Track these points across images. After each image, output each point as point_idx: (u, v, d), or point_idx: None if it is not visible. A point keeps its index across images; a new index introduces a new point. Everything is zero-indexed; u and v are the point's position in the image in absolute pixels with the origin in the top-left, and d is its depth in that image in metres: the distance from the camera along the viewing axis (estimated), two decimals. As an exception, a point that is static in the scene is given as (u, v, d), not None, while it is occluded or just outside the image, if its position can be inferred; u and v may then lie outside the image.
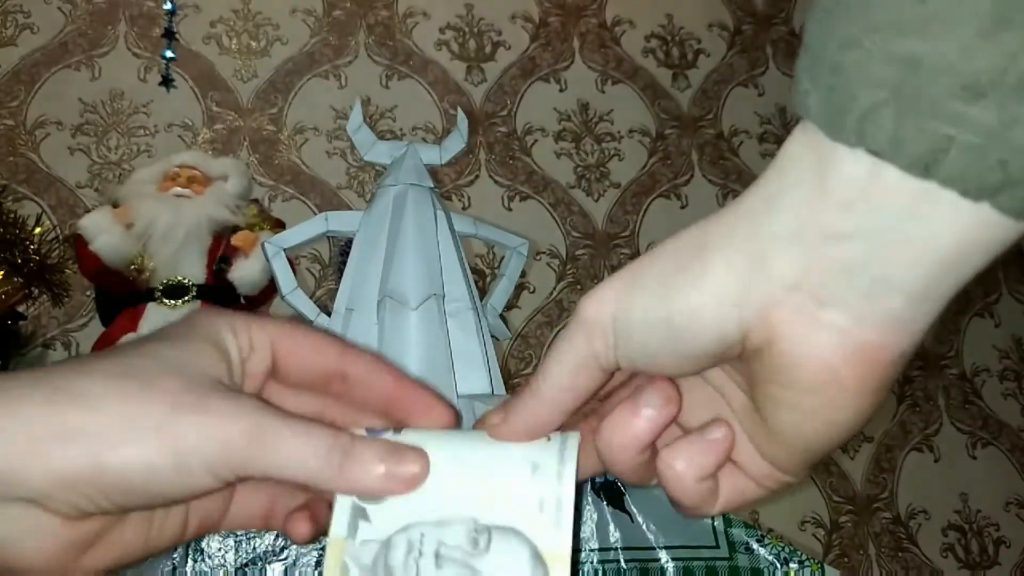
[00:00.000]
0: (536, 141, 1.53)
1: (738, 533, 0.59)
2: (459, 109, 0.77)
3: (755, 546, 0.59)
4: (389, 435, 0.31)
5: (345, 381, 0.32)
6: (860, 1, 0.21)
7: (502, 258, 0.78)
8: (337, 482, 0.29)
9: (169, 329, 0.30)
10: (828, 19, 0.22)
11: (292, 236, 0.70)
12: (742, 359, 0.25)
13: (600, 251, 1.48)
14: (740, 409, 0.28)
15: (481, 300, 0.71)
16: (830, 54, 0.21)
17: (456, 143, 0.71)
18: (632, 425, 0.27)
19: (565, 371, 0.27)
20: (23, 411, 0.26)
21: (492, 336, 0.71)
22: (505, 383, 0.82)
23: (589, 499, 0.60)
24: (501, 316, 0.77)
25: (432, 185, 0.69)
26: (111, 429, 0.26)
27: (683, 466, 0.27)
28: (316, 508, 0.32)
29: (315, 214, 1.34)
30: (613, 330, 0.26)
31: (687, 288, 0.25)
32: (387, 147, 0.67)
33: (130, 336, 0.96)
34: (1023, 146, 0.19)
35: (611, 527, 0.60)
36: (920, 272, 0.22)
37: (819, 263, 0.23)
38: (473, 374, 0.65)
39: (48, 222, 1.30)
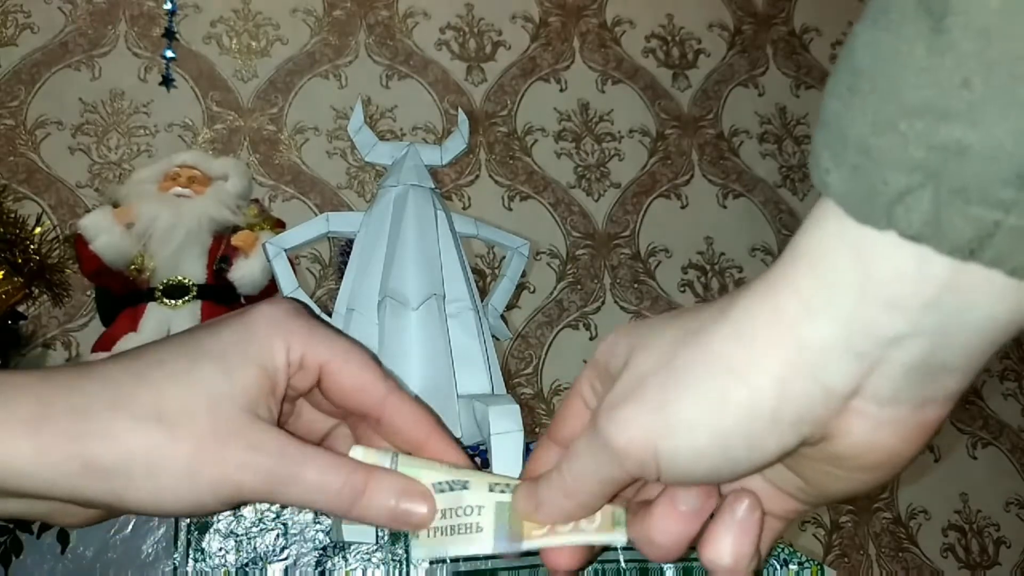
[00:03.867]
0: (536, 141, 1.53)
1: (738, 534, 0.59)
2: (459, 110, 0.76)
3: (755, 547, 0.59)
4: (388, 461, 0.32)
5: (379, 423, 0.33)
6: (890, 81, 0.20)
7: (503, 258, 0.78)
8: (349, 514, 0.30)
9: (226, 334, 0.30)
10: (854, 97, 0.20)
11: (293, 236, 0.70)
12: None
13: (600, 251, 1.48)
14: (772, 473, 0.27)
15: (481, 300, 0.71)
16: (858, 133, 0.20)
17: (457, 143, 0.71)
18: (671, 524, 0.27)
19: (595, 484, 0.27)
20: (43, 439, 0.27)
21: (493, 336, 0.71)
22: (505, 383, 0.82)
23: (589, 499, 0.61)
24: (502, 316, 0.77)
25: (433, 186, 0.69)
26: (134, 470, 0.27)
27: (730, 560, 0.27)
28: None
29: (315, 214, 1.34)
30: (657, 462, 0.25)
31: (738, 418, 0.23)
32: (388, 148, 0.67)
33: (130, 336, 0.96)
34: None
35: (611, 527, 0.60)
36: (976, 353, 0.22)
37: (875, 367, 0.22)
38: (473, 374, 0.65)
39: (48, 222, 1.30)
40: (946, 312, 0.21)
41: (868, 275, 0.21)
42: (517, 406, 0.57)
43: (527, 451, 0.60)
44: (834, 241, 0.22)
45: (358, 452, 0.32)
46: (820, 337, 0.22)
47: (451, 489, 0.31)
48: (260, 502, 0.31)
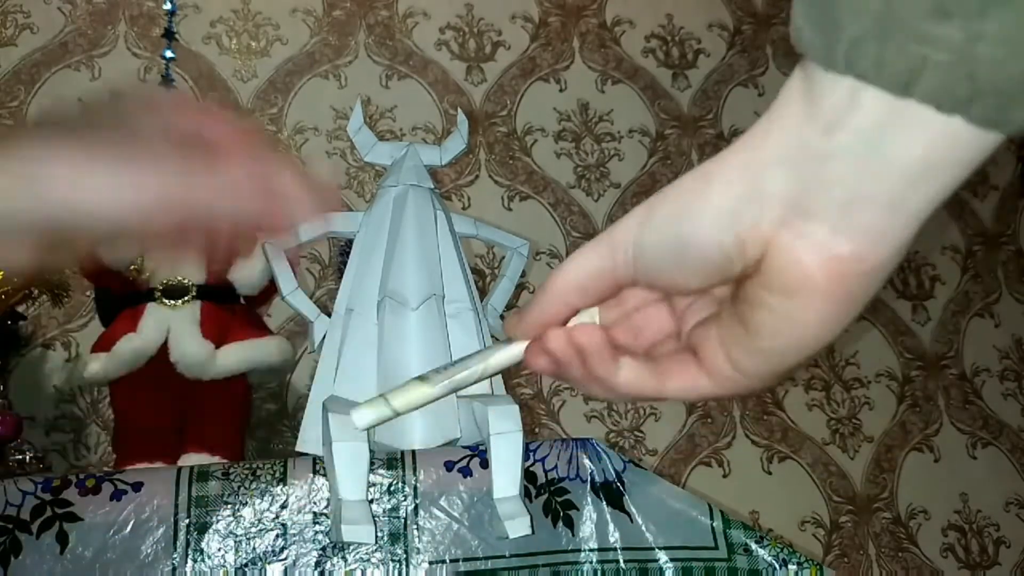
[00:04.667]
0: (536, 141, 1.53)
1: (737, 534, 0.59)
2: (459, 110, 0.76)
3: (754, 547, 0.59)
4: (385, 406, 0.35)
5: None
6: None
7: (502, 258, 0.78)
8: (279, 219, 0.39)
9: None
10: None
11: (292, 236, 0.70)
12: (742, 276, 0.28)
13: (600, 251, 1.48)
14: (722, 315, 0.30)
15: (481, 300, 0.71)
16: None
17: (456, 144, 0.71)
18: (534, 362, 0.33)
19: (582, 273, 0.31)
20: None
21: (492, 336, 0.71)
22: (505, 384, 0.82)
23: (589, 499, 0.61)
24: (501, 316, 0.77)
25: (432, 186, 0.69)
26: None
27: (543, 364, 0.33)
28: None
29: (315, 214, 1.34)
30: (633, 247, 0.30)
31: (694, 209, 0.28)
32: (387, 148, 0.67)
33: (130, 336, 0.96)
34: (987, 59, 0.22)
35: (611, 527, 0.60)
36: (888, 185, 0.24)
37: (804, 181, 0.26)
38: (472, 375, 0.65)
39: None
40: (870, 139, 0.24)
41: (812, 103, 0.25)
42: (516, 406, 0.57)
43: (526, 451, 0.60)
44: (796, 83, 0.26)
45: (358, 413, 0.35)
46: (767, 149, 0.26)
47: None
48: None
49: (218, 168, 0.36)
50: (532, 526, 0.54)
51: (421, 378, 0.35)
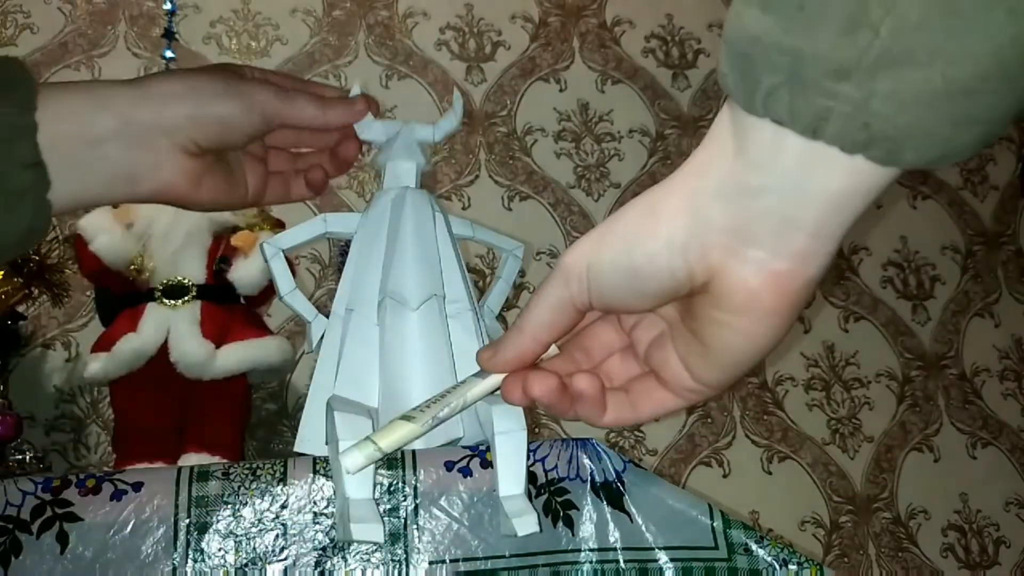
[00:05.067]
0: (536, 141, 1.53)
1: (737, 534, 0.59)
2: (455, 89, 0.76)
3: (754, 547, 0.59)
4: (371, 448, 0.37)
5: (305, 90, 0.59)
6: (761, 4, 0.27)
7: (502, 258, 0.78)
8: (324, 119, 0.57)
9: (203, 68, 0.53)
10: (738, 19, 0.28)
11: (291, 237, 0.70)
12: (689, 295, 0.32)
13: (600, 251, 1.48)
14: (676, 334, 0.34)
15: (479, 301, 0.71)
16: (740, 47, 0.27)
17: (450, 121, 0.71)
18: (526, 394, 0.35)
19: (545, 310, 0.35)
20: (153, 87, 0.48)
21: (489, 337, 0.71)
22: (505, 383, 0.82)
23: (589, 499, 0.61)
24: (498, 318, 0.77)
25: (424, 161, 0.69)
26: (204, 92, 0.49)
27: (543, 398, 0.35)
28: (317, 169, 0.61)
29: (315, 214, 1.34)
30: (587, 276, 0.33)
31: (645, 240, 0.31)
32: (381, 126, 0.67)
33: (130, 336, 0.96)
34: (879, 112, 0.26)
35: (610, 527, 0.60)
36: (814, 213, 0.29)
37: (741, 212, 0.29)
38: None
39: (48, 222, 1.29)
40: (794, 177, 0.28)
41: (742, 144, 0.29)
42: (520, 406, 0.57)
43: (526, 451, 0.60)
44: (726, 123, 0.30)
45: (348, 457, 0.36)
46: (705, 185, 0.30)
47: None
48: (278, 123, 0.54)
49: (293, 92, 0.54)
50: (540, 524, 0.54)
51: (405, 417, 0.37)
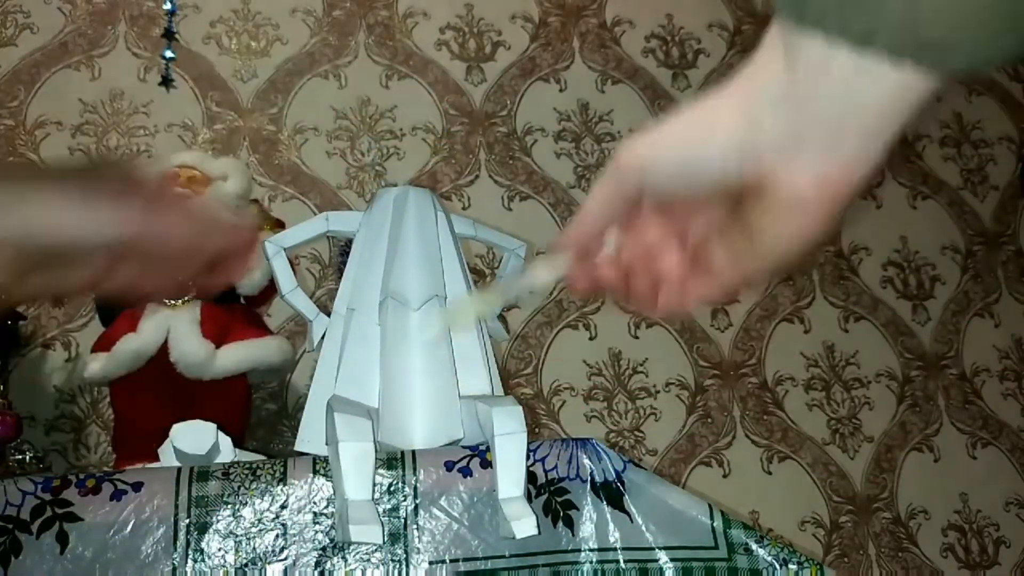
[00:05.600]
0: (536, 141, 1.52)
1: (737, 534, 0.59)
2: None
3: (754, 547, 0.59)
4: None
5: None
6: None
7: (502, 258, 0.78)
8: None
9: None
10: None
11: (292, 236, 0.70)
12: (740, 193, 0.35)
13: (600, 251, 1.48)
14: (723, 230, 0.37)
15: (481, 300, 0.71)
16: None
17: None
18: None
19: (600, 203, 0.39)
20: None
21: (490, 337, 0.71)
22: (504, 384, 0.82)
23: (589, 499, 0.60)
24: (499, 317, 0.77)
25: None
26: (36, 204, 0.45)
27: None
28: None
29: (315, 214, 1.34)
30: (643, 173, 0.37)
31: (700, 142, 0.35)
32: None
33: (130, 336, 0.96)
34: (926, 17, 0.27)
35: (611, 527, 0.60)
36: (863, 122, 0.31)
37: (793, 121, 0.32)
38: (474, 375, 0.65)
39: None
40: (843, 88, 0.30)
41: (793, 58, 0.31)
42: (520, 407, 0.57)
43: (526, 451, 0.60)
44: (776, 39, 0.32)
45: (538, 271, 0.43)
46: (759, 95, 0.32)
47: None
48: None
49: (165, 210, 0.48)
50: (539, 525, 0.54)
51: (478, 293, 0.40)
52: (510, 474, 0.56)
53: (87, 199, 0.46)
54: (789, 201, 0.33)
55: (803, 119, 0.32)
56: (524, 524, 0.54)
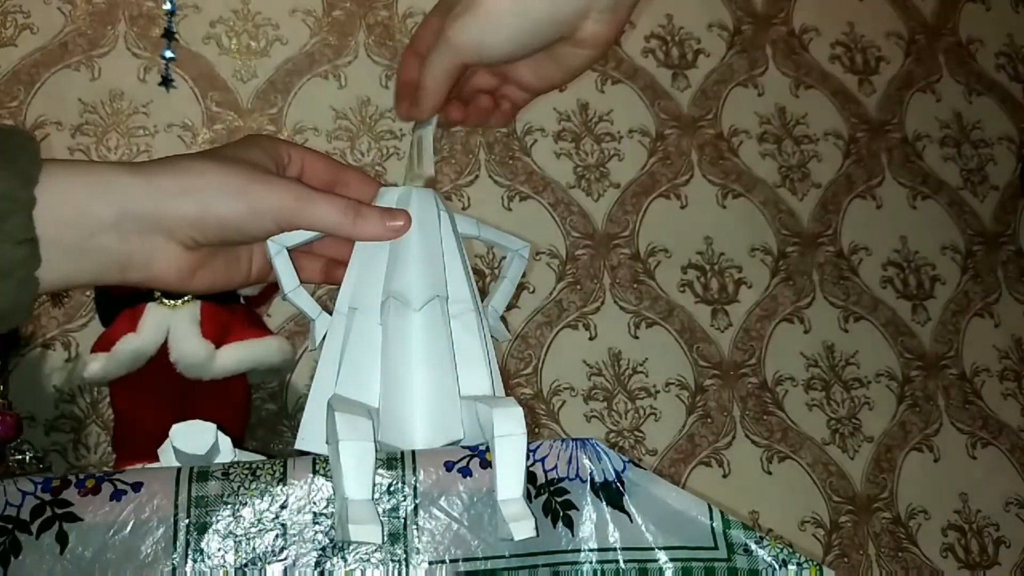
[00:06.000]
0: (536, 141, 1.53)
1: (737, 534, 0.59)
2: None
3: (754, 547, 0.59)
4: None
5: (346, 185, 0.56)
6: None
7: (502, 259, 0.78)
8: (351, 230, 0.53)
9: (234, 143, 0.51)
10: None
11: (294, 234, 0.70)
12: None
13: (600, 251, 1.48)
14: (535, 59, 0.52)
15: (481, 301, 0.71)
16: None
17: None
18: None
19: (445, 77, 0.50)
20: (157, 179, 0.45)
21: (492, 337, 0.71)
22: (505, 384, 0.82)
23: (588, 499, 0.61)
24: (502, 318, 0.77)
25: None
26: (211, 190, 0.46)
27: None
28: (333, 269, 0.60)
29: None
30: (479, 54, 0.48)
31: (540, 16, 0.47)
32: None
33: (130, 337, 0.97)
34: None
35: (610, 527, 0.60)
36: None
37: None
38: (475, 376, 0.65)
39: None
40: None
41: None
42: (521, 408, 0.57)
43: (526, 451, 0.60)
44: None
45: None
46: None
47: None
48: (294, 225, 0.51)
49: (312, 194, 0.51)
50: (537, 528, 0.54)
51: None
52: (509, 475, 0.56)
53: (243, 189, 0.47)
54: (592, 42, 0.48)
55: None
56: (522, 526, 0.54)
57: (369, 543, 0.54)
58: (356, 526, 0.53)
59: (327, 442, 0.59)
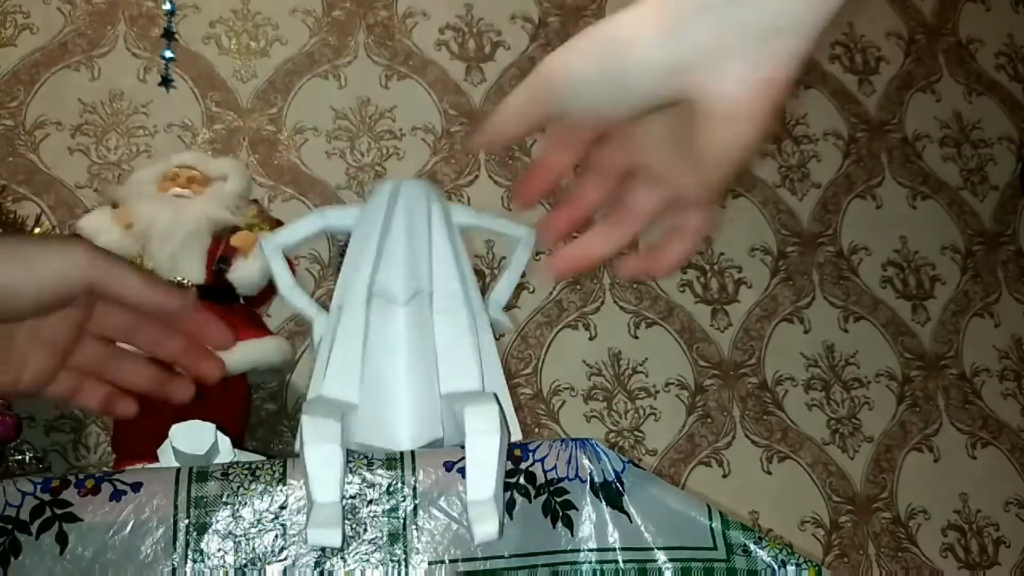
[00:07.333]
0: (535, 141, 1.52)
1: (736, 535, 0.59)
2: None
3: (753, 548, 0.59)
4: None
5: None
6: None
7: (502, 259, 0.78)
8: (151, 296, 0.44)
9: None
10: None
11: (289, 233, 0.70)
12: (671, 106, 0.34)
13: (600, 251, 1.48)
14: (663, 144, 0.37)
15: (482, 297, 0.71)
16: None
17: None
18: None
19: (521, 99, 0.38)
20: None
21: (494, 330, 0.70)
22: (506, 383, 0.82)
23: (588, 499, 0.60)
24: (505, 309, 0.76)
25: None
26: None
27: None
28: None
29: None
30: (554, 84, 0.36)
31: (619, 54, 0.33)
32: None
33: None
34: None
35: (610, 527, 0.60)
36: (791, 15, 0.30)
37: (721, 26, 0.31)
38: (461, 372, 0.64)
39: (48, 222, 1.30)
40: None
41: None
42: (496, 405, 0.56)
43: (525, 451, 0.60)
44: None
45: None
46: (680, 4, 0.31)
47: None
48: (88, 288, 0.42)
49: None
50: (501, 530, 0.53)
51: None
52: (479, 475, 0.55)
53: (16, 250, 0.40)
54: (722, 111, 0.32)
55: (731, 22, 0.30)
56: (484, 529, 0.52)
57: (330, 546, 0.54)
58: (316, 529, 0.52)
59: (297, 446, 0.58)
